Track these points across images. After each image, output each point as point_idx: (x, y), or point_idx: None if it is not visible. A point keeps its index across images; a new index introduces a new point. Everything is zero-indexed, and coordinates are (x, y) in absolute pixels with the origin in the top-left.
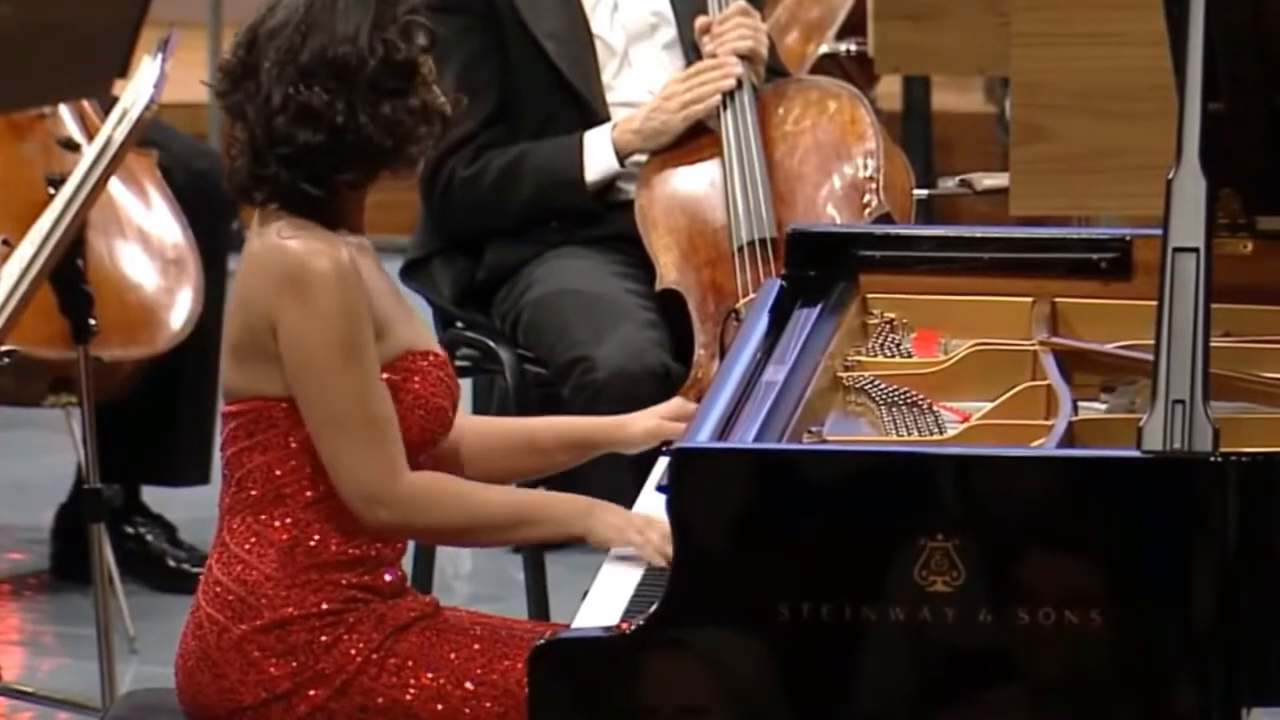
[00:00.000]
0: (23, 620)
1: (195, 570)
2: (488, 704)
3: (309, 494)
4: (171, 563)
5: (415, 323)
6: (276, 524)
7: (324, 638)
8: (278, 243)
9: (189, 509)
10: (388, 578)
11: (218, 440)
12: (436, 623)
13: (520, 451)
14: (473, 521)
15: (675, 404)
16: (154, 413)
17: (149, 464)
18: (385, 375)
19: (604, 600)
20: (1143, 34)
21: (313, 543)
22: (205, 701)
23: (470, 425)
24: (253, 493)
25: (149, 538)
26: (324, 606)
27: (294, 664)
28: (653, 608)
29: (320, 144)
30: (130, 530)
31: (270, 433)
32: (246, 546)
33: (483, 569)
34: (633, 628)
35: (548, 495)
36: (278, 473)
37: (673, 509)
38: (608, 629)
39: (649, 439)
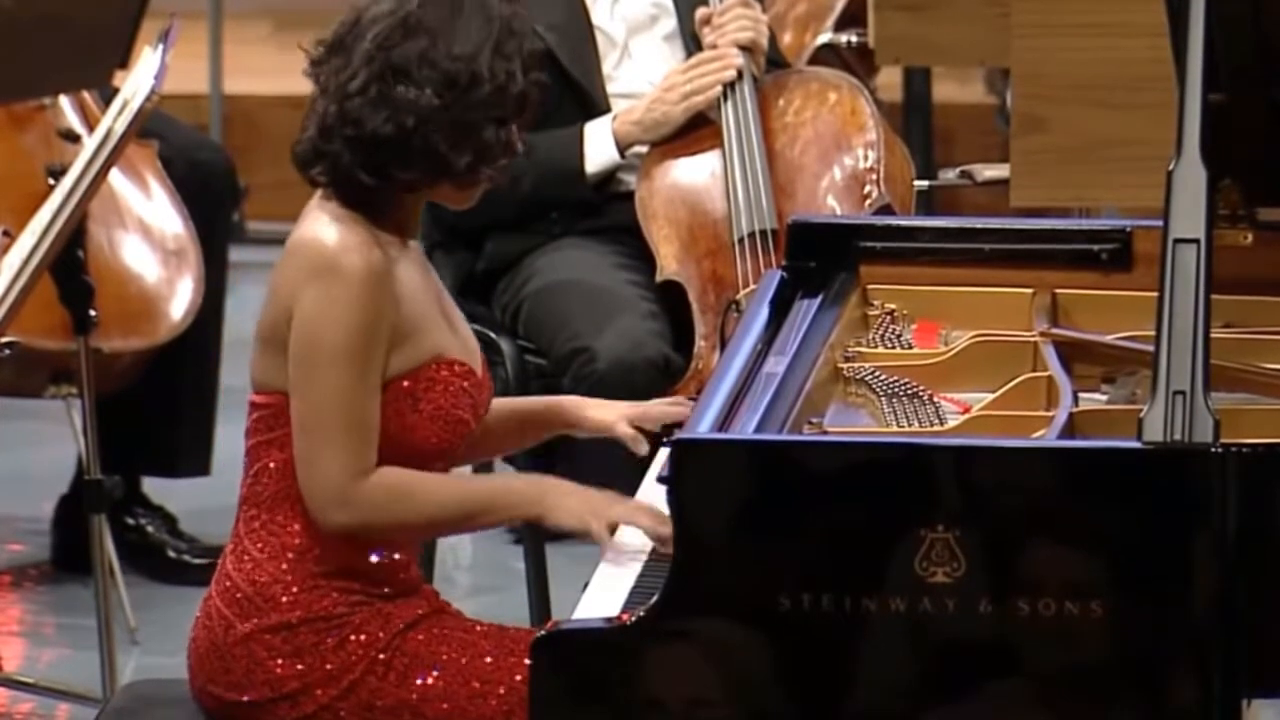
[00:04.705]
0: (23, 611)
1: (196, 561)
2: (493, 703)
3: None
4: (172, 554)
5: (457, 331)
6: (291, 527)
7: (330, 640)
8: (315, 235)
9: (190, 500)
10: (401, 576)
11: (218, 431)
12: (442, 622)
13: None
14: (429, 517)
15: (643, 407)
16: (154, 404)
17: (149, 455)
18: (406, 383)
19: (605, 591)
20: (1143, 25)
21: (325, 549)
22: (214, 690)
23: None
24: (267, 487)
25: (149, 529)
26: (331, 610)
27: (300, 665)
28: (653, 599)
29: (387, 136)
30: (131, 521)
31: (288, 430)
32: (260, 545)
33: (483, 560)
34: (634, 619)
35: (502, 481)
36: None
37: (673, 500)
38: (609, 620)
39: (598, 430)
